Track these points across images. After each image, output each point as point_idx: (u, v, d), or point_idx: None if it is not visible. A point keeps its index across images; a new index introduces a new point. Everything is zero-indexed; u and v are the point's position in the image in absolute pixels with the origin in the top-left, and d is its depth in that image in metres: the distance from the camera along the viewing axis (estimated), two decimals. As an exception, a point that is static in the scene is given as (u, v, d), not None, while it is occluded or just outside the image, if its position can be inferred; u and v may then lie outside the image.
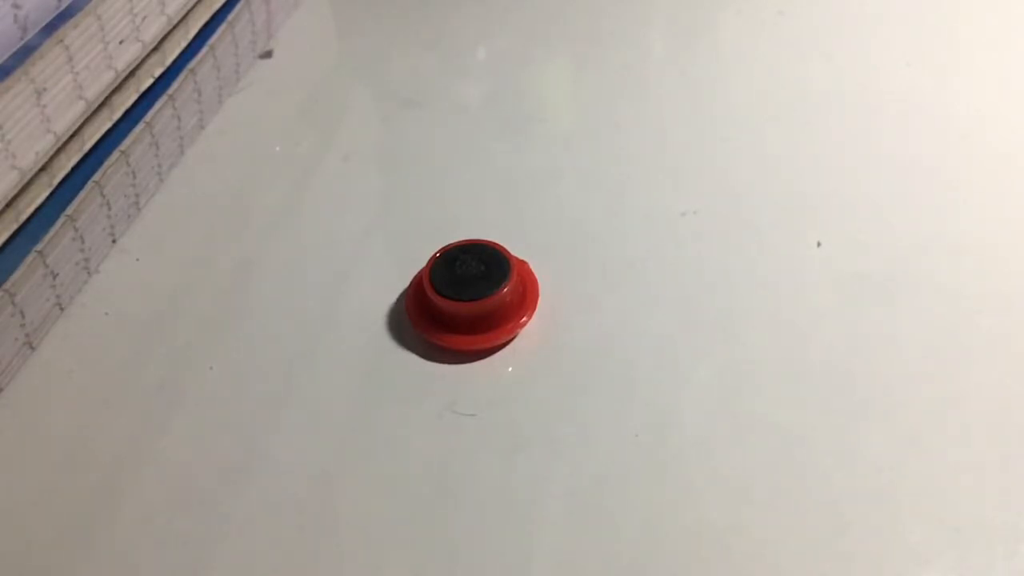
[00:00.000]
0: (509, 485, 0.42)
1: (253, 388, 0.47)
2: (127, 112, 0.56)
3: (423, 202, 0.58)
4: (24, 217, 0.48)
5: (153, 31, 0.57)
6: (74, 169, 0.52)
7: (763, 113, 0.62)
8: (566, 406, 0.45)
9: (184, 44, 0.60)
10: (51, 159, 0.50)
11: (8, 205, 0.47)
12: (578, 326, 0.49)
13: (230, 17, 0.65)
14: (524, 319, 0.48)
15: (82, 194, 0.52)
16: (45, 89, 0.48)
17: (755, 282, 0.50)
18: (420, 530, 0.41)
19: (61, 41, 0.49)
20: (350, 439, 0.45)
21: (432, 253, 0.50)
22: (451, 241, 0.50)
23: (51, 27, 0.49)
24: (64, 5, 0.50)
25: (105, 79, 0.53)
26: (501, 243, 0.50)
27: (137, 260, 0.55)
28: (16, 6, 0.46)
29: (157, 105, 0.58)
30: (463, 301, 0.47)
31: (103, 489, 0.43)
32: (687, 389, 0.45)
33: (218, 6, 0.64)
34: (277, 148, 0.63)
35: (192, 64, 0.61)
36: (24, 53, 0.47)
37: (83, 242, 0.52)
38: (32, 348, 0.49)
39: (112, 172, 0.54)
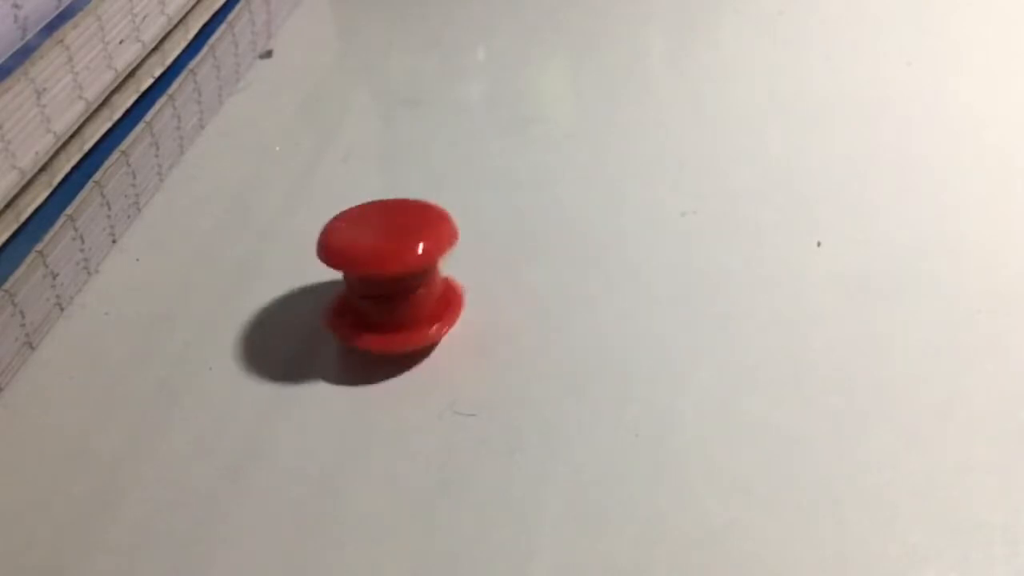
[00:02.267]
0: (509, 485, 0.42)
1: (253, 388, 0.47)
2: (127, 112, 0.56)
3: (423, 202, 0.58)
4: (24, 217, 0.48)
5: (153, 31, 0.57)
6: (74, 169, 0.52)
7: (763, 113, 0.62)
8: (566, 406, 0.45)
9: (184, 44, 0.61)
10: (51, 159, 0.50)
11: (8, 205, 0.47)
12: (578, 326, 0.49)
13: (230, 17, 0.66)
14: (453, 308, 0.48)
15: (82, 194, 0.52)
16: (45, 89, 0.48)
17: (755, 282, 0.50)
18: (420, 530, 0.41)
19: (61, 41, 0.49)
20: (350, 439, 0.45)
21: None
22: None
23: (51, 27, 0.49)
24: (64, 5, 0.50)
25: (105, 79, 0.53)
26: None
27: (137, 260, 0.55)
28: (16, 6, 0.46)
29: (157, 105, 0.58)
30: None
31: (103, 489, 0.43)
32: (687, 389, 0.45)
33: (218, 6, 0.64)
34: (277, 148, 0.63)
35: (192, 64, 0.61)
36: (24, 53, 0.47)
37: (83, 242, 0.52)
38: (32, 348, 0.49)
39: (112, 172, 0.54)
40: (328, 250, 0.46)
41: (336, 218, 0.48)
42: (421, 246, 0.45)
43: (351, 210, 0.49)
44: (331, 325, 0.48)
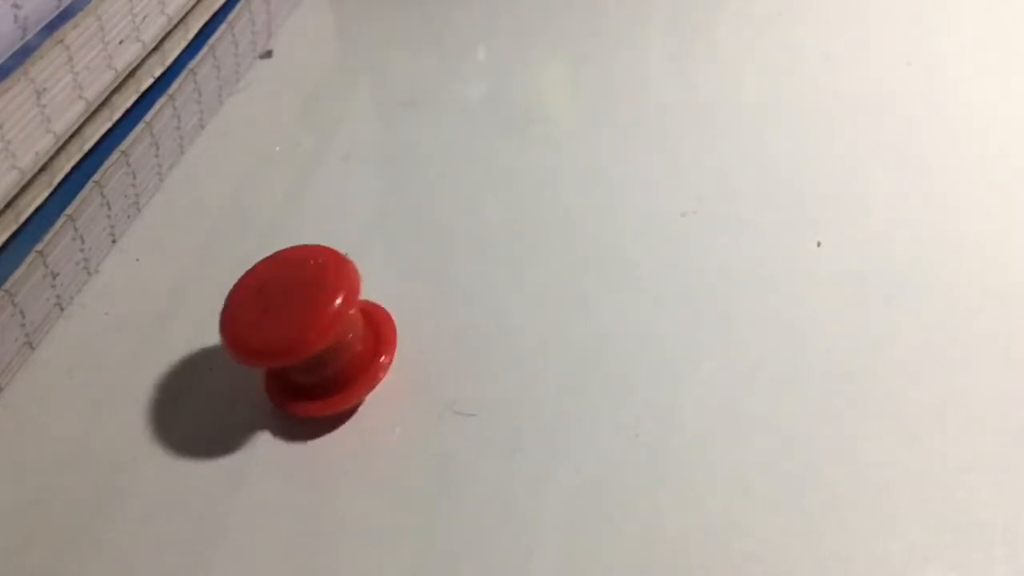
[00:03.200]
0: (509, 485, 0.42)
1: (253, 387, 0.47)
2: (127, 112, 0.56)
3: (423, 202, 0.58)
4: (24, 217, 0.48)
5: (153, 31, 0.57)
6: (74, 169, 0.52)
7: (763, 113, 0.62)
8: (566, 406, 0.45)
9: (184, 44, 0.61)
10: (51, 159, 0.50)
11: (8, 205, 0.47)
12: (578, 326, 0.49)
13: (230, 17, 0.65)
14: (384, 358, 0.46)
15: (82, 194, 0.52)
16: (45, 89, 0.48)
17: (755, 282, 0.50)
18: (420, 530, 0.41)
19: (61, 41, 0.49)
20: (349, 438, 0.45)
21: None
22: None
23: (51, 27, 0.49)
24: (64, 5, 0.50)
25: (105, 79, 0.53)
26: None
27: (137, 260, 0.55)
28: (16, 6, 0.46)
29: (157, 105, 0.58)
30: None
31: (103, 489, 0.43)
32: (687, 389, 0.45)
33: (218, 6, 0.64)
34: (277, 148, 0.63)
35: (192, 64, 0.61)
36: (24, 53, 0.47)
37: (83, 242, 0.52)
38: (32, 348, 0.49)
39: (112, 172, 0.54)
40: (236, 348, 0.42)
41: (230, 301, 0.44)
42: (331, 307, 0.41)
43: (241, 285, 0.44)
44: (272, 395, 0.45)
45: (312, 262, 0.44)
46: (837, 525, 0.39)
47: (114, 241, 0.55)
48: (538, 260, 0.52)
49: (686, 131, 0.61)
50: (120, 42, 0.54)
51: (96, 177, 0.53)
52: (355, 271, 0.44)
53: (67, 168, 0.51)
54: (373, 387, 0.45)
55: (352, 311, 0.42)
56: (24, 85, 0.47)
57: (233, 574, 0.40)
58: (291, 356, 0.41)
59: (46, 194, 0.49)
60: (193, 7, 0.61)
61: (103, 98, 0.53)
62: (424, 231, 0.55)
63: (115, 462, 0.44)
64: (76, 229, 0.51)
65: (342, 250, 0.54)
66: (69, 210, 0.51)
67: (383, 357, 0.46)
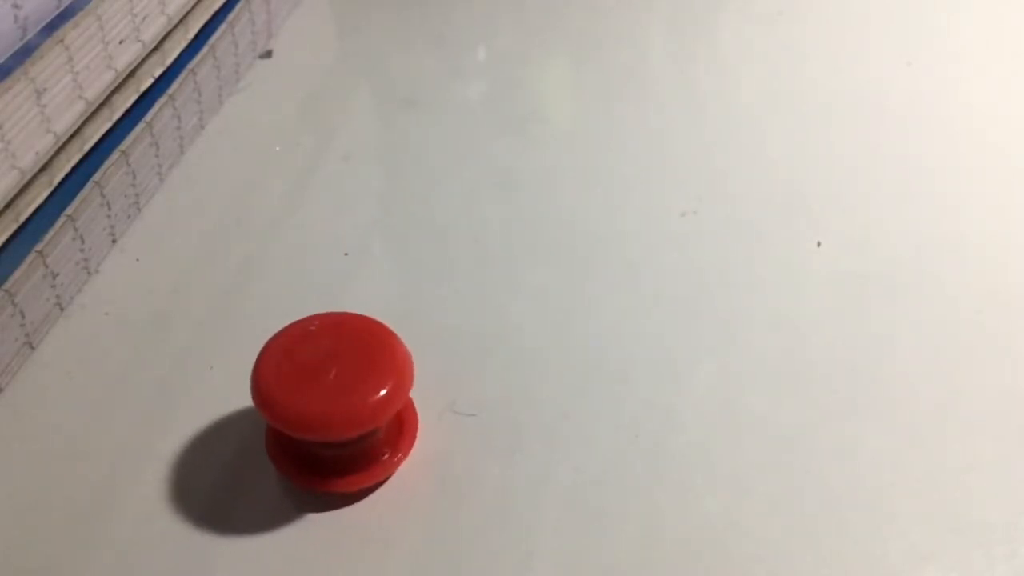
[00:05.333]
0: (509, 485, 0.42)
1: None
2: (127, 112, 0.56)
3: (423, 202, 0.58)
4: (24, 217, 0.48)
5: (153, 31, 0.57)
6: (74, 169, 0.52)
7: (763, 113, 0.62)
8: (566, 406, 0.45)
9: (184, 44, 0.60)
10: (51, 159, 0.50)
11: (8, 205, 0.47)
12: (578, 326, 0.49)
13: (230, 17, 0.66)
14: (400, 456, 0.42)
15: (82, 194, 0.52)
16: (45, 89, 0.48)
17: (755, 282, 0.50)
18: (420, 530, 0.40)
19: (61, 41, 0.49)
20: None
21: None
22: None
23: (51, 27, 0.49)
24: (64, 5, 0.50)
25: (105, 79, 0.53)
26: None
27: (137, 260, 0.55)
28: (16, 6, 0.46)
29: (157, 105, 0.58)
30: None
31: (103, 489, 0.43)
32: (686, 389, 0.45)
33: (218, 6, 0.64)
34: (277, 148, 0.63)
35: (192, 64, 0.61)
36: (24, 53, 0.47)
37: (83, 242, 0.52)
38: (32, 348, 0.49)
39: (112, 172, 0.54)
40: (267, 405, 0.39)
41: (269, 350, 0.40)
42: (382, 393, 0.39)
43: (284, 337, 0.41)
44: (277, 464, 0.42)
45: (368, 336, 0.41)
46: (837, 525, 0.39)
47: (114, 241, 0.55)
48: (538, 260, 0.52)
49: (686, 131, 0.61)
50: (120, 42, 0.54)
51: (96, 177, 0.53)
52: (410, 359, 0.41)
53: (67, 168, 0.51)
54: (386, 477, 0.42)
55: (409, 388, 0.40)
56: (24, 85, 0.47)
57: (235, 573, 0.40)
58: (335, 432, 0.39)
59: (46, 194, 0.49)
60: (193, 7, 0.61)
61: (103, 98, 0.53)
62: (424, 231, 0.55)
63: (115, 462, 0.44)
64: (76, 229, 0.51)
65: (342, 250, 0.54)
66: (69, 210, 0.51)
67: (399, 454, 0.42)
